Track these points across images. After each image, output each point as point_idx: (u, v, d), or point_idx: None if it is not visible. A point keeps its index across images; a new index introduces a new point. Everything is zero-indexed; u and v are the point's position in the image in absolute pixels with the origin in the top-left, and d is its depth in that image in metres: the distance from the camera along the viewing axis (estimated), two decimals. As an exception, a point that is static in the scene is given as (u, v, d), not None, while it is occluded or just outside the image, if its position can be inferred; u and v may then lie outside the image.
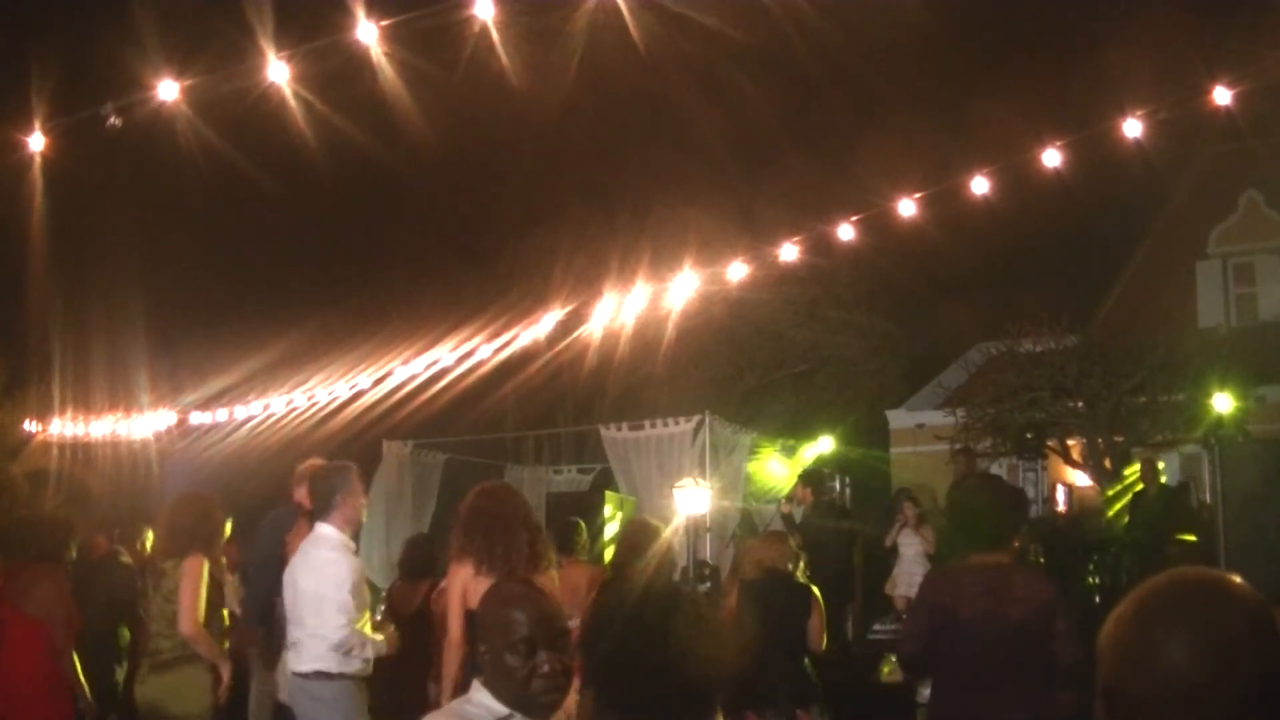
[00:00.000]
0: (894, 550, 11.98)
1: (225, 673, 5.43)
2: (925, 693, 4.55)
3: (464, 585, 4.87)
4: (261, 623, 6.18)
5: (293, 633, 5.04)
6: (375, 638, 5.09)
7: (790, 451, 15.50)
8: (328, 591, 4.90)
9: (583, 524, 7.45)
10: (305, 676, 4.92)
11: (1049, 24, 29.99)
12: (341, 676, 4.91)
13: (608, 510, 11.55)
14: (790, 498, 12.18)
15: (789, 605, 6.33)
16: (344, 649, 4.88)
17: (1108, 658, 1.55)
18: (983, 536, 4.32)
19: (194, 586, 5.37)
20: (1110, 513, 12.67)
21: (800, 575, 6.72)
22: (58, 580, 5.73)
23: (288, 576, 5.14)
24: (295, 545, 5.58)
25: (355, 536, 5.26)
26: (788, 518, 12.07)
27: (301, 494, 6.26)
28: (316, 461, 6.41)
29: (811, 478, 12.34)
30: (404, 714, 5.24)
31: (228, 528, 6.78)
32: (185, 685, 5.33)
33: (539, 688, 2.51)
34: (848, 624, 11.54)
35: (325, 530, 5.08)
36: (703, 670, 2.18)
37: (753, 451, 14.12)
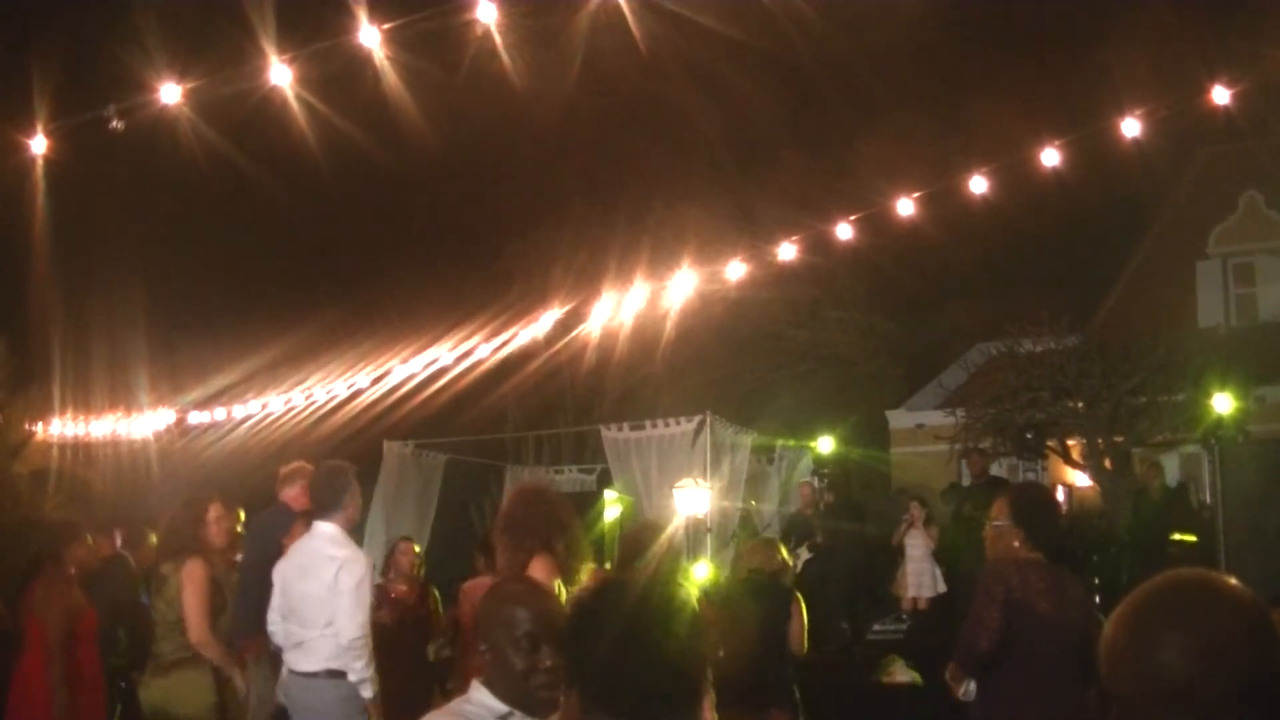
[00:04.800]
0: (898, 550, 12.01)
1: (239, 678, 5.39)
2: (971, 688, 4.37)
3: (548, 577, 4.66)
4: (258, 625, 6.16)
5: (298, 632, 4.99)
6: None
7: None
8: (346, 590, 4.86)
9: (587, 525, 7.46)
10: (314, 675, 4.87)
11: (1049, 23, 29.99)
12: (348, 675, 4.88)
13: (608, 510, 11.56)
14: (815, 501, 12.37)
15: (770, 608, 6.36)
16: (354, 651, 4.84)
17: (1105, 658, 1.57)
18: (1038, 536, 4.35)
19: (197, 593, 5.38)
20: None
21: (789, 579, 6.77)
22: (56, 580, 5.76)
23: (288, 575, 5.08)
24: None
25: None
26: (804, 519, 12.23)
27: (291, 495, 6.22)
28: (302, 463, 6.38)
29: (835, 482, 12.59)
30: (403, 713, 5.23)
31: (239, 528, 6.80)
32: (186, 687, 5.36)
33: (539, 682, 2.54)
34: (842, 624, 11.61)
35: (330, 529, 5.04)
36: (692, 667, 2.20)
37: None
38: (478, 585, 6.07)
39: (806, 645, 6.53)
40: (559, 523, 4.86)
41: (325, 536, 5.04)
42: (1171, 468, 14.47)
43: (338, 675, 4.87)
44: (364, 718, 4.91)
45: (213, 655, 5.34)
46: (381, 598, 7.43)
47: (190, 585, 5.38)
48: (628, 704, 2.11)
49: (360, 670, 4.85)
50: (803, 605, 6.52)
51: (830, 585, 11.68)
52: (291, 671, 5.00)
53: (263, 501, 7.70)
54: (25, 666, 5.99)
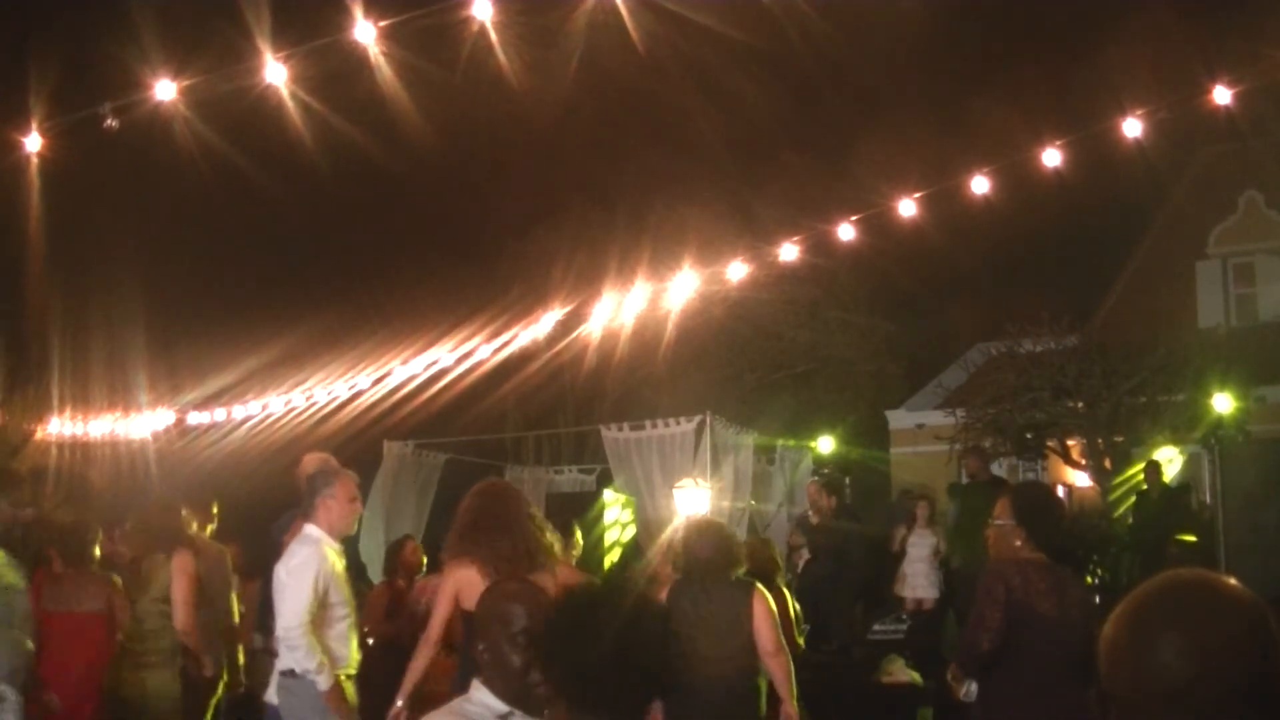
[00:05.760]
0: (899, 551, 11.98)
1: (207, 666, 5.40)
2: (973, 689, 4.36)
3: (458, 586, 4.74)
4: (262, 627, 6.16)
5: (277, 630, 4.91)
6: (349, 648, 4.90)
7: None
8: (288, 583, 4.71)
9: (578, 526, 7.40)
10: (284, 674, 4.73)
11: (1049, 24, 30.01)
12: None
13: (608, 511, 11.54)
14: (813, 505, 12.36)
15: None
16: (287, 642, 4.65)
17: (1105, 658, 1.56)
18: (1040, 536, 4.33)
19: (186, 582, 5.46)
20: (1116, 513, 12.68)
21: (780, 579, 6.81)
22: (109, 582, 5.82)
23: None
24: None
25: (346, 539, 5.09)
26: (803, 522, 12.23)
27: None
28: (314, 457, 6.32)
29: (834, 485, 12.57)
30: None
31: (213, 520, 6.81)
32: (164, 685, 5.37)
33: (537, 679, 2.55)
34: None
35: (307, 528, 4.92)
36: (664, 668, 2.21)
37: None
38: (428, 584, 6.11)
39: (803, 644, 6.54)
40: (509, 521, 4.79)
41: (299, 536, 4.94)
42: (1171, 468, 14.46)
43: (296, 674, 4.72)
44: (328, 716, 4.69)
45: (192, 643, 5.40)
46: (389, 599, 7.44)
47: (180, 575, 5.47)
48: (608, 708, 2.12)
49: (300, 662, 4.62)
50: (794, 603, 6.53)
51: (834, 586, 11.66)
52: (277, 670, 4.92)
53: (262, 502, 7.69)
54: (41, 662, 5.98)
